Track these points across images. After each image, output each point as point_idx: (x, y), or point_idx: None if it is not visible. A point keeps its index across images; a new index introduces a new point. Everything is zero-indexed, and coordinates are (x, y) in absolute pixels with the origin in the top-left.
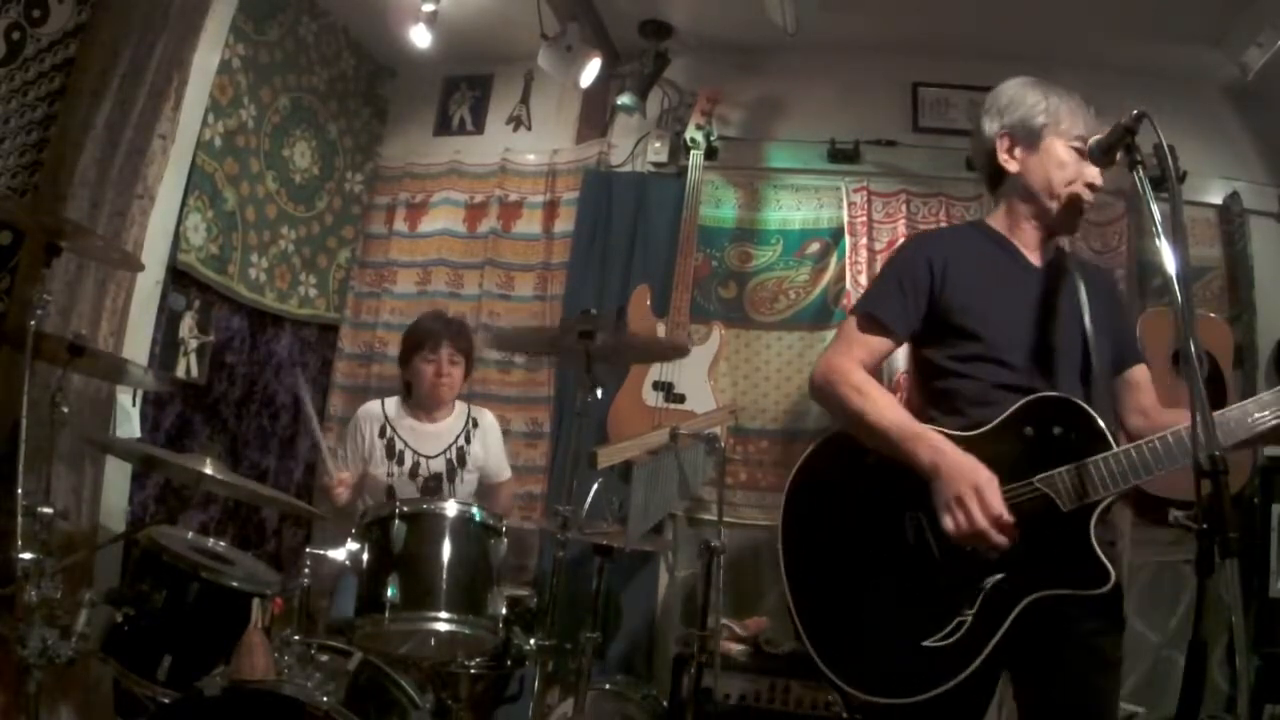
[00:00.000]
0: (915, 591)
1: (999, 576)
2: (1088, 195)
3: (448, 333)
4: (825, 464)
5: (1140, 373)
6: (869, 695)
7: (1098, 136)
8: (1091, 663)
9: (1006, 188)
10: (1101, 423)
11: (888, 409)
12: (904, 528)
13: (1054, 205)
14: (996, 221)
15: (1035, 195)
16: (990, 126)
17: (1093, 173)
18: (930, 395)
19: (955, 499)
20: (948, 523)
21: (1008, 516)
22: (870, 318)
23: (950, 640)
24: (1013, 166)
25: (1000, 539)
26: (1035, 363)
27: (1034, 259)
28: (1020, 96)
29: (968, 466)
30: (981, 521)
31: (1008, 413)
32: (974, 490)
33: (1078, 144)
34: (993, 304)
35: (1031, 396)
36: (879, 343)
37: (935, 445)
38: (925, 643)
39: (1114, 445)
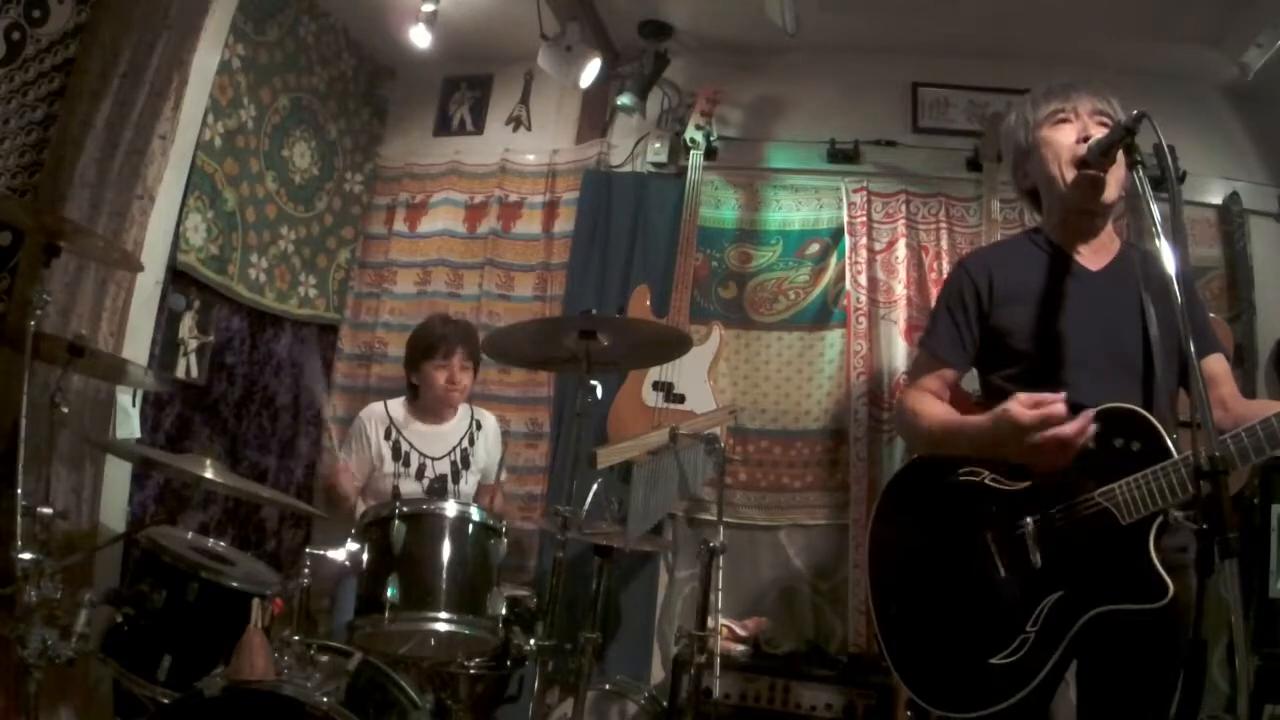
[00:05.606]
0: (982, 610)
1: (1059, 594)
2: (1080, 151)
3: (459, 339)
4: (905, 489)
5: (1216, 364)
6: (939, 709)
7: (1097, 137)
8: (1151, 665)
9: (1042, 203)
10: (1164, 431)
11: (937, 417)
12: (972, 549)
13: (1067, 188)
14: (1048, 229)
15: (1052, 190)
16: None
17: (1074, 133)
18: None
19: (1027, 447)
20: (1040, 463)
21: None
22: (930, 353)
23: (1014, 657)
24: (1028, 183)
25: (1079, 438)
26: (1090, 378)
27: (1090, 264)
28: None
29: (1004, 418)
30: (1061, 442)
31: None
32: (1029, 428)
33: (1057, 119)
34: (1043, 321)
35: (1090, 411)
36: (945, 373)
37: (976, 426)
38: (991, 660)
39: (1175, 454)
